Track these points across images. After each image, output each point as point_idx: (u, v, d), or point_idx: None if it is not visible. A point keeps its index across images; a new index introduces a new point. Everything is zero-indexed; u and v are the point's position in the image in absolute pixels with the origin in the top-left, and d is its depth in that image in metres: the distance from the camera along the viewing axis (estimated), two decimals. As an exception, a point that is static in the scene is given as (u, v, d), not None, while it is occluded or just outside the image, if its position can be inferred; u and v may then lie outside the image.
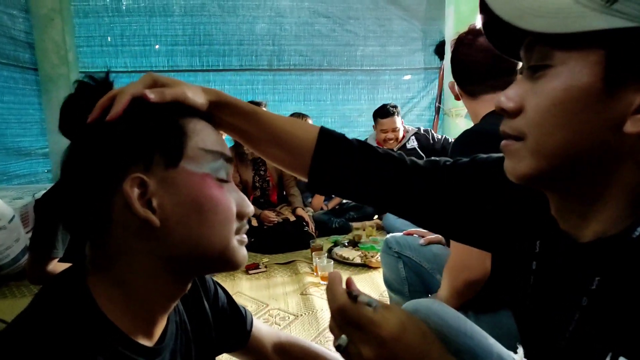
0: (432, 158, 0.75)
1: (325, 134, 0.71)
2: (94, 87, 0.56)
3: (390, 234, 1.79)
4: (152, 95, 0.54)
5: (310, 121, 3.74)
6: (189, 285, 0.61)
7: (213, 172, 0.56)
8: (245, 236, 0.60)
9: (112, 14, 3.82)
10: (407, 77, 4.50)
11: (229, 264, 0.59)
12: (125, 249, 0.53)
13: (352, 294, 0.50)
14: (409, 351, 0.47)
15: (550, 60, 0.45)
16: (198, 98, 0.59)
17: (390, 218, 3.17)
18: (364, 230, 3.12)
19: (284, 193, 3.41)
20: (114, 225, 0.53)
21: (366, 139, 3.27)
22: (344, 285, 0.53)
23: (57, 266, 1.54)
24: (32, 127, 3.62)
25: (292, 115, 3.77)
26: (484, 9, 0.48)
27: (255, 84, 4.19)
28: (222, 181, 0.57)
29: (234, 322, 0.79)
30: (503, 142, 0.52)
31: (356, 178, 0.71)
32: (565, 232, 0.53)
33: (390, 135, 3.27)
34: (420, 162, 0.73)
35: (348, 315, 0.48)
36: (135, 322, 0.55)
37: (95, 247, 0.55)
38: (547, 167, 0.47)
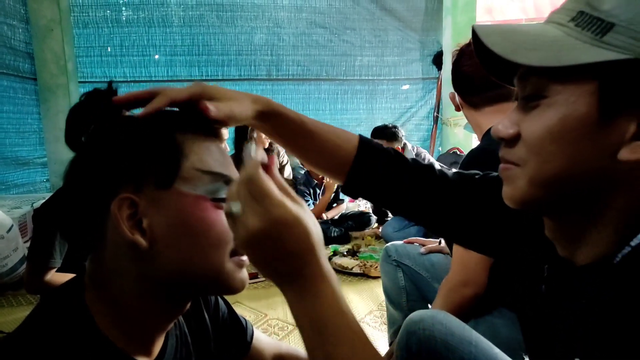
0: (460, 170, 0.76)
1: (364, 144, 0.73)
2: (99, 98, 0.55)
3: (391, 243, 1.79)
4: (212, 108, 0.52)
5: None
6: (187, 306, 0.59)
7: (209, 194, 0.53)
8: (245, 258, 0.56)
9: (112, 24, 3.85)
10: (406, 87, 4.53)
11: (225, 289, 0.56)
12: (118, 268, 0.52)
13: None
14: (292, 240, 0.45)
15: (544, 91, 0.46)
16: (245, 112, 0.58)
17: (389, 228, 3.17)
18: (363, 239, 3.12)
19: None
20: (108, 243, 0.52)
21: None
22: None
23: (54, 276, 1.53)
24: (31, 137, 3.62)
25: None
26: (476, 39, 0.49)
27: (254, 93, 4.20)
28: (221, 203, 0.53)
29: (234, 333, 0.78)
30: (501, 166, 0.52)
31: (386, 186, 0.73)
32: (562, 256, 0.54)
33: None
34: (449, 172, 0.74)
35: (254, 185, 0.45)
36: (133, 339, 0.54)
37: (93, 263, 0.55)
38: (544, 194, 0.48)
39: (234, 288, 0.56)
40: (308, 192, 3.49)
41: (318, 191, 3.57)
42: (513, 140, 0.50)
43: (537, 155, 0.47)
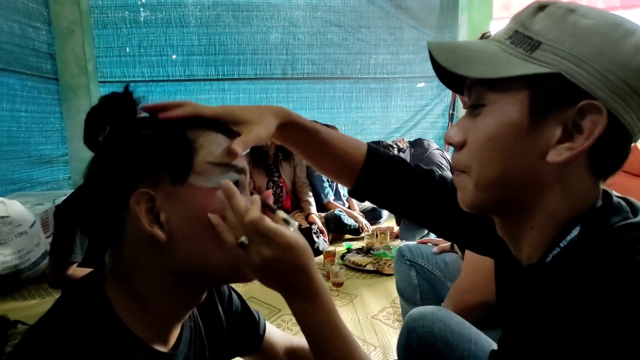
0: None
1: (372, 153, 0.78)
2: (115, 100, 0.58)
3: (404, 243, 1.80)
4: (238, 148, 0.56)
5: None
6: (204, 296, 0.62)
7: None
8: None
9: (131, 25, 3.91)
10: (421, 84, 4.50)
11: (240, 278, 0.60)
12: (138, 261, 0.55)
13: (271, 207, 0.56)
14: (293, 258, 0.55)
15: (484, 100, 0.52)
16: (268, 131, 0.63)
17: (409, 235, 3.17)
18: (376, 237, 3.12)
19: (298, 199, 3.42)
20: (128, 237, 0.55)
21: None
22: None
23: (76, 271, 1.57)
24: (53, 135, 3.72)
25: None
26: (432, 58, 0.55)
27: (269, 92, 4.23)
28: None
29: (247, 326, 0.81)
30: (453, 176, 0.59)
31: (391, 192, 0.79)
32: (514, 256, 0.58)
33: None
34: (448, 177, 0.79)
35: (258, 226, 0.53)
36: (151, 329, 0.57)
37: (113, 257, 0.58)
38: (489, 196, 0.54)
39: (251, 277, 0.59)
40: (327, 179, 3.46)
41: None
42: (461, 146, 0.56)
43: (478, 160, 0.53)
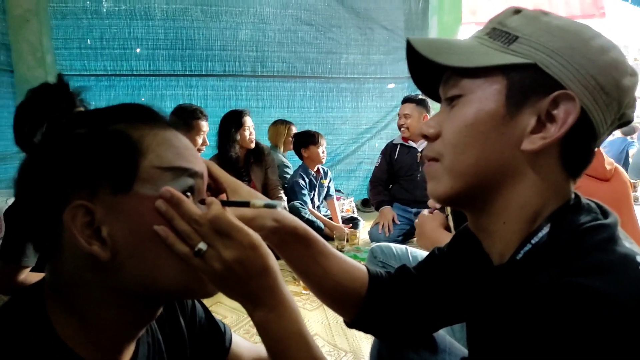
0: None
1: (373, 292, 0.76)
2: (49, 93, 0.51)
3: (376, 244, 1.78)
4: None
5: (294, 128, 3.70)
6: (158, 313, 0.56)
7: None
8: None
9: (91, 16, 3.74)
10: (391, 85, 4.52)
11: (197, 294, 0.55)
12: (79, 279, 0.48)
13: (238, 202, 0.53)
14: (259, 260, 0.52)
15: (462, 90, 0.54)
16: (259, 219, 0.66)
17: (375, 230, 3.17)
18: (347, 241, 3.10)
19: (269, 201, 3.32)
20: (65, 254, 0.48)
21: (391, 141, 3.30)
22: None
23: (29, 276, 1.49)
24: (7, 131, 3.48)
25: (276, 122, 3.73)
26: (410, 56, 0.56)
27: (238, 89, 4.15)
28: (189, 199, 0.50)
29: (212, 339, 0.75)
30: (425, 166, 0.59)
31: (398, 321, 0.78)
32: (487, 254, 0.59)
33: None
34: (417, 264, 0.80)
35: (219, 224, 0.50)
36: (99, 349, 0.51)
37: (51, 272, 0.51)
38: (462, 185, 0.54)
39: (209, 293, 0.54)
40: (304, 182, 3.37)
41: (315, 182, 3.46)
42: (435, 138, 0.57)
43: (453, 147, 0.54)
